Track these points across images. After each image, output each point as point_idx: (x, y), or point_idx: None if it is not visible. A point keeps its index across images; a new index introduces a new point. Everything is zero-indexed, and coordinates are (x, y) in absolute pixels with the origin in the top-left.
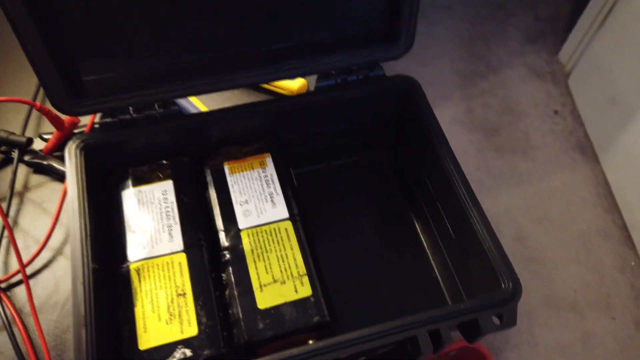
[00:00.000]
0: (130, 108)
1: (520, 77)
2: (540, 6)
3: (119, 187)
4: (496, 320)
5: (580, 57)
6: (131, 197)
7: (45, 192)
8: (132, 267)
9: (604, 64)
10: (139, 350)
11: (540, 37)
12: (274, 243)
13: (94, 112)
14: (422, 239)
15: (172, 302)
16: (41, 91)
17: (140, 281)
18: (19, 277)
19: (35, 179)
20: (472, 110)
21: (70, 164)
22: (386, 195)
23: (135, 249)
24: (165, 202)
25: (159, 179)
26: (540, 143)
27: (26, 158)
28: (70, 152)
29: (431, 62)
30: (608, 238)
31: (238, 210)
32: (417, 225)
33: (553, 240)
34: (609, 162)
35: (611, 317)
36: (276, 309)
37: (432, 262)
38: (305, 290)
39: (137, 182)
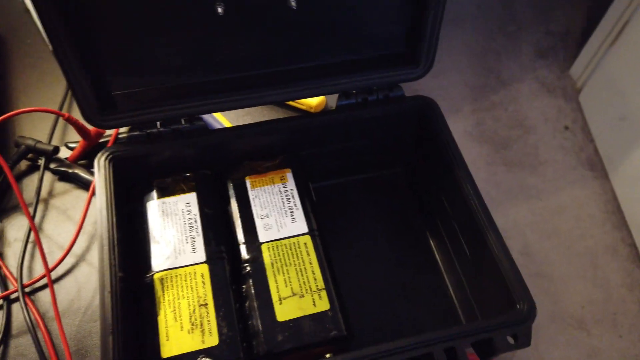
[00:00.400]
0: (158, 122)
1: (531, 91)
2: (552, 21)
3: (144, 198)
4: (511, 340)
5: (591, 74)
6: (155, 208)
7: (69, 199)
8: (156, 276)
9: (615, 81)
10: (162, 358)
11: (551, 52)
12: (293, 257)
13: (122, 126)
14: (437, 256)
15: (194, 312)
16: (67, 101)
17: (163, 291)
18: (43, 282)
19: (60, 186)
20: (482, 123)
21: (100, 175)
22: (403, 212)
23: (159, 260)
24: (188, 214)
25: (183, 191)
26: (550, 158)
27: (52, 166)
28: (100, 164)
29: (442, 74)
30: (616, 255)
31: (259, 224)
32: (432, 243)
33: (561, 256)
34: (618, 179)
35: (618, 335)
36: (295, 321)
37: (447, 279)
38: (323, 304)
39: (162, 194)
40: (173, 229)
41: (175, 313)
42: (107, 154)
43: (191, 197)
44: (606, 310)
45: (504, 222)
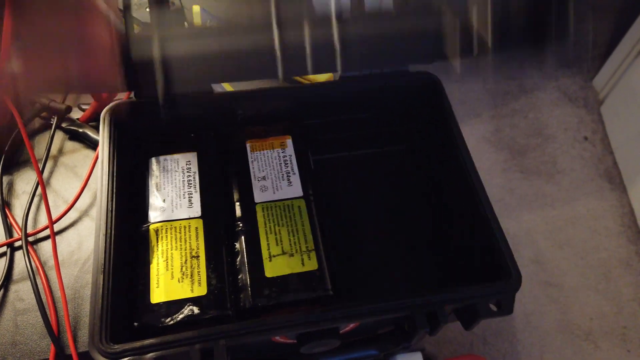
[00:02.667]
0: None
1: (552, 100)
2: (577, 32)
3: (147, 153)
4: (493, 307)
5: (615, 85)
6: (157, 164)
7: (77, 157)
8: (152, 227)
9: (639, 93)
10: (151, 303)
11: (575, 62)
12: (286, 218)
13: None
14: (432, 230)
15: (185, 262)
16: None
17: (157, 241)
18: (46, 232)
19: (70, 145)
20: (501, 129)
21: (104, 127)
22: (401, 187)
23: (156, 212)
24: (188, 172)
25: (185, 150)
26: (568, 168)
27: (64, 125)
28: (106, 117)
29: (463, 79)
30: (630, 269)
31: (255, 185)
32: (429, 217)
33: (573, 266)
34: (637, 193)
35: (626, 350)
36: (282, 278)
37: (440, 253)
38: (312, 264)
39: (164, 151)
40: (172, 184)
41: (167, 262)
42: (113, 108)
43: (192, 156)
44: (616, 324)
45: (516, 228)
